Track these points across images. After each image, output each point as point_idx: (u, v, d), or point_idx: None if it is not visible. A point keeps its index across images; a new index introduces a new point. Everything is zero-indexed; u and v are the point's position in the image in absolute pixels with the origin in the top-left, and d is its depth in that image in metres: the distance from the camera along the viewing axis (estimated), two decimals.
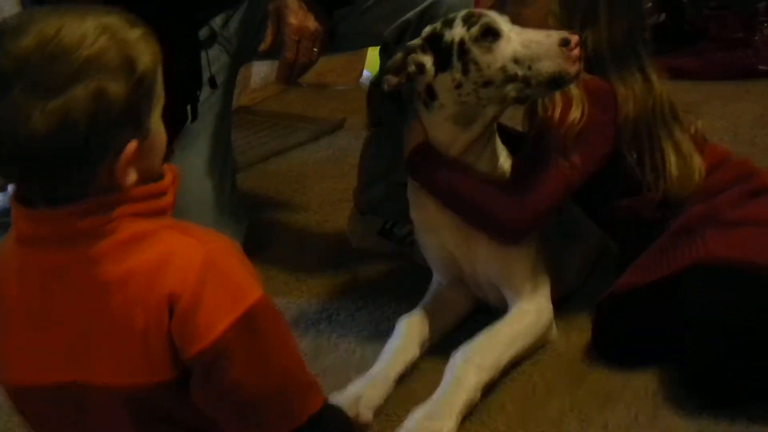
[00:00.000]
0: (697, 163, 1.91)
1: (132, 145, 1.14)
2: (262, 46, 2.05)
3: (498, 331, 1.85)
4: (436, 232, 1.97)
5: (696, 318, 1.76)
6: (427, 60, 1.84)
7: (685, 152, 1.91)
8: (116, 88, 1.11)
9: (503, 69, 1.78)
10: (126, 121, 1.14)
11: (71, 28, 1.11)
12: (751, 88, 3.61)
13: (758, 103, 3.43)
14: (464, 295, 2.06)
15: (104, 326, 1.17)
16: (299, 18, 2.02)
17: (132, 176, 1.16)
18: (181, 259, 1.16)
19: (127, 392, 1.18)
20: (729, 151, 2.09)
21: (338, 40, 2.16)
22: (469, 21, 1.82)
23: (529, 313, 1.91)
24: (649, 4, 3.87)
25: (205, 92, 2.22)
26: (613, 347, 1.90)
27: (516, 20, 1.84)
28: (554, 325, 1.96)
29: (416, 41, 1.88)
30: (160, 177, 1.23)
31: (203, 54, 2.20)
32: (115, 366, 1.18)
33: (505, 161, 1.95)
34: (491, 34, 1.79)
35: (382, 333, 2.01)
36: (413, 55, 1.85)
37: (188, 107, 2.14)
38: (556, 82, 1.76)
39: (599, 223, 2.05)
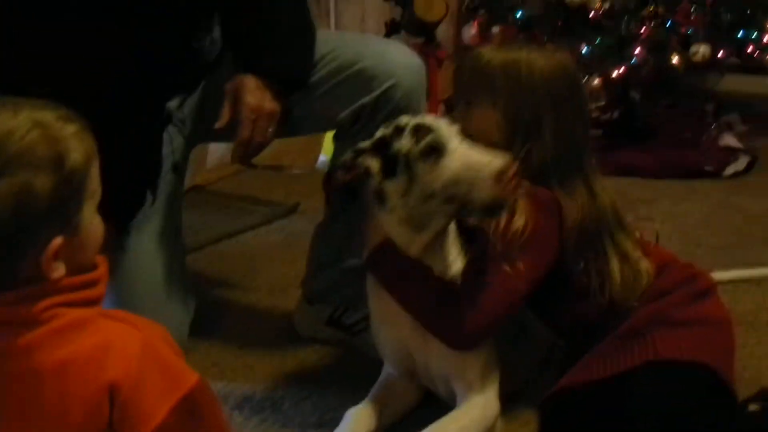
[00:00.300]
0: (645, 266, 1.93)
1: (57, 241, 1.14)
2: (218, 124, 2.06)
3: (445, 426, 1.85)
4: (392, 324, 1.97)
5: (643, 419, 1.76)
6: (375, 165, 1.85)
7: (631, 258, 1.93)
8: (42, 183, 1.12)
9: (444, 188, 1.79)
10: (52, 217, 1.13)
11: (2, 121, 1.13)
12: (698, 188, 3.69)
13: (705, 204, 3.49)
14: (414, 387, 2.05)
15: (38, 418, 1.16)
16: (256, 97, 2.03)
17: (59, 270, 1.15)
18: (121, 347, 1.16)
19: None
20: (673, 253, 2.13)
21: (293, 123, 2.17)
22: (417, 134, 1.82)
23: (476, 407, 1.91)
24: (603, 102, 3.95)
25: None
26: None
27: (464, 121, 1.88)
28: (499, 421, 1.96)
29: (366, 144, 1.89)
30: (93, 267, 1.22)
31: (167, 139, 2.20)
32: None
33: (456, 258, 1.96)
34: (435, 151, 1.79)
35: (326, 423, 1.99)
36: (362, 158, 1.87)
37: (147, 191, 2.13)
38: (491, 210, 1.78)
39: (549, 325, 2.06)
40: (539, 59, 1.91)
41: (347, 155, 1.88)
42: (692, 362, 1.80)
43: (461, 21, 4.72)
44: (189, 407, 1.18)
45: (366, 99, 2.12)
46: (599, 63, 4.10)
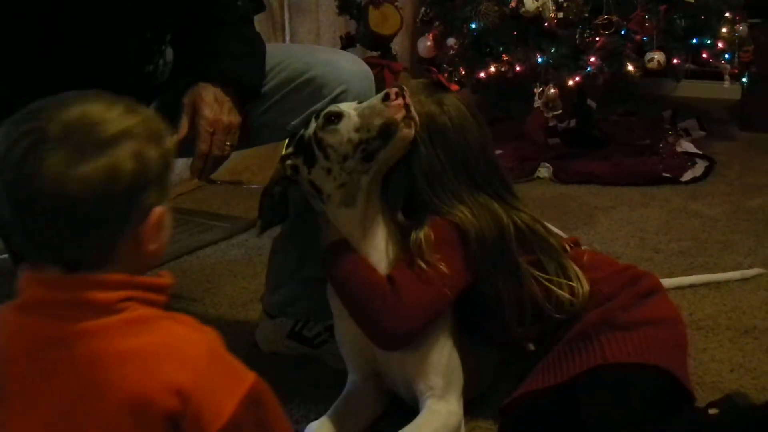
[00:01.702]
0: (581, 277, 1.96)
1: (160, 209, 1.23)
2: (176, 137, 2.05)
3: None
4: (353, 326, 1.97)
5: (594, 423, 1.78)
6: (299, 161, 1.99)
7: (570, 273, 1.96)
8: (151, 152, 1.21)
9: (350, 141, 1.92)
10: (157, 184, 1.23)
11: (106, 106, 1.23)
12: (656, 194, 3.71)
13: (663, 209, 3.51)
14: (378, 393, 2.06)
15: (94, 401, 1.19)
16: (214, 111, 2.03)
17: (153, 245, 1.24)
18: (188, 349, 1.21)
19: None
20: (610, 257, 2.15)
21: (247, 134, 2.17)
22: (318, 115, 1.99)
23: (439, 414, 1.91)
24: (559, 111, 3.96)
25: None
26: None
27: None
28: (462, 427, 1.96)
29: (287, 150, 2.03)
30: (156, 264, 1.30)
31: None
32: None
33: (391, 251, 1.99)
34: (333, 117, 1.95)
35: None
36: (286, 162, 2.01)
37: None
38: (386, 131, 1.89)
39: (492, 343, 2.07)
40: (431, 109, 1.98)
41: (274, 171, 2.00)
42: (641, 364, 1.82)
43: (416, 34, 4.73)
44: (254, 400, 1.23)
45: (317, 106, 2.13)
46: (555, 72, 4.12)
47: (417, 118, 1.90)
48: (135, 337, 1.20)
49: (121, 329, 1.20)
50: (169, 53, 2.20)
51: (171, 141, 1.29)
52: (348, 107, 1.97)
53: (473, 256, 1.91)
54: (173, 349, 1.20)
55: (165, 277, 1.29)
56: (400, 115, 1.88)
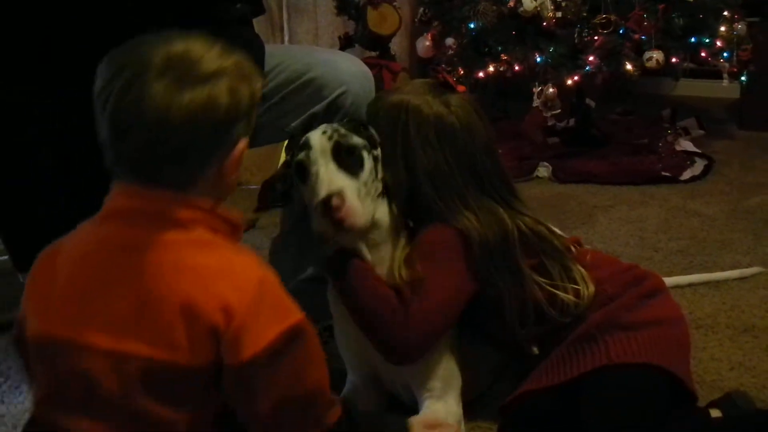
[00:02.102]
0: (586, 278, 1.95)
1: (243, 143, 1.36)
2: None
3: None
4: (354, 329, 1.96)
5: (594, 423, 1.77)
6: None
7: (574, 275, 1.95)
8: (243, 90, 1.33)
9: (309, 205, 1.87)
10: (245, 119, 1.35)
11: (205, 45, 1.35)
12: (655, 193, 3.71)
13: (662, 208, 3.51)
14: (376, 394, 2.05)
15: (156, 304, 1.30)
16: None
17: (233, 174, 1.37)
18: (241, 275, 1.31)
19: (157, 364, 1.30)
20: (614, 257, 2.14)
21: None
22: (301, 148, 1.88)
23: (437, 414, 1.90)
24: (558, 111, 3.96)
25: None
26: None
27: None
28: (462, 427, 1.96)
29: (287, 154, 1.98)
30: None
31: None
32: (155, 339, 1.30)
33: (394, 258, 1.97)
34: (302, 170, 1.85)
35: None
36: (290, 169, 1.93)
37: None
38: (320, 239, 1.85)
39: (496, 346, 2.07)
40: (421, 105, 1.94)
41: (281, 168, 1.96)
42: (645, 364, 1.81)
43: (415, 33, 4.73)
44: (295, 336, 1.31)
45: (317, 107, 2.14)
46: (553, 71, 4.12)
47: (354, 227, 1.80)
48: (199, 256, 1.31)
49: (188, 246, 1.32)
50: None
51: (260, 82, 1.40)
52: (319, 161, 1.83)
53: (476, 261, 1.90)
54: (229, 273, 1.30)
55: (236, 214, 1.42)
56: (330, 233, 1.81)
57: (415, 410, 1.93)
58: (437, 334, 1.89)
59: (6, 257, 2.23)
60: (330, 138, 1.85)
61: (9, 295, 2.66)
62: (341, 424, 1.42)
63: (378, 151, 1.92)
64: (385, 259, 1.93)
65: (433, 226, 1.92)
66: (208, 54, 1.33)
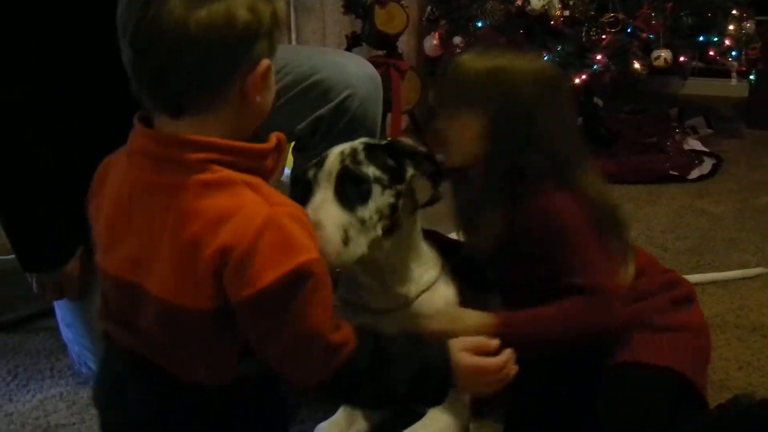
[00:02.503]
0: (630, 269, 1.93)
1: (266, 62, 1.34)
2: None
3: None
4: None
5: (608, 417, 1.77)
6: None
7: (627, 253, 1.93)
8: (264, 7, 1.31)
9: None
10: (267, 38, 1.33)
11: None
12: (663, 192, 3.70)
13: (670, 207, 3.51)
14: None
15: (168, 245, 1.32)
16: None
17: (258, 96, 1.34)
18: (244, 216, 1.28)
19: (167, 305, 1.33)
20: (653, 256, 2.12)
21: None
22: (315, 165, 1.81)
23: (446, 414, 1.90)
24: None
25: None
26: None
27: (445, 131, 1.86)
28: (472, 426, 1.96)
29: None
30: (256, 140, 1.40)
31: None
32: (165, 281, 1.33)
33: (426, 269, 1.95)
34: (308, 189, 1.79)
35: None
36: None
37: None
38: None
39: None
40: (522, 64, 1.86)
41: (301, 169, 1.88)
42: (668, 368, 1.80)
43: (422, 32, 4.73)
44: (299, 277, 1.27)
45: (323, 110, 2.13)
46: (561, 70, 4.12)
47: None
48: (207, 198, 1.29)
49: (197, 189, 1.30)
50: None
51: (282, 3, 1.37)
52: (321, 187, 1.76)
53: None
54: (234, 213, 1.28)
55: (271, 140, 1.40)
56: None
57: (420, 413, 1.93)
58: (620, 289, 1.84)
59: (10, 256, 2.23)
60: (342, 161, 1.78)
61: (14, 295, 2.69)
62: (359, 355, 1.38)
63: (403, 186, 1.83)
64: (413, 272, 1.92)
65: (546, 197, 1.81)
66: None
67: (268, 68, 1.35)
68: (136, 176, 1.37)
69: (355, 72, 2.19)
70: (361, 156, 1.80)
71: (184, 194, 1.31)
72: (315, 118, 2.13)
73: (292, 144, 2.27)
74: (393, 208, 1.81)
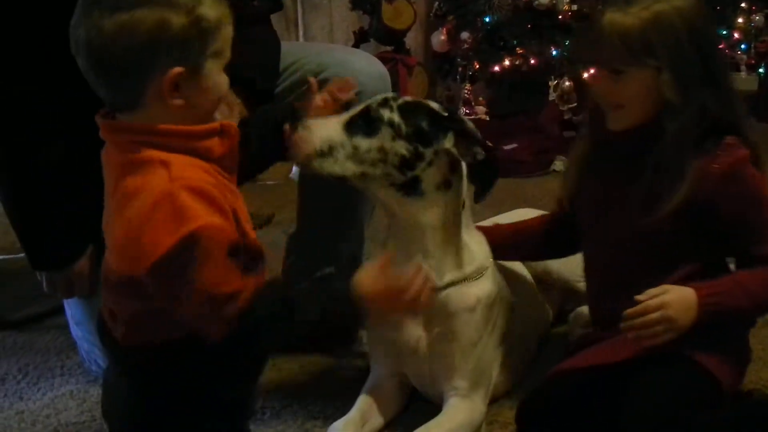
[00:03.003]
0: None
1: (176, 70, 1.38)
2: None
3: (430, 430, 1.85)
4: (390, 325, 1.95)
5: (637, 407, 1.71)
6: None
7: None
8: (175, 19, 1.37)
9: None
10: (176, 49, 1.38)
11: None
12: None
13: None
14: (402, 389, 2.03)
15: (114, 221, 1.43)
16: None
17: (178, 101, 1.40)
18: (144, 192, 1.37)
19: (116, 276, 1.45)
20: None
21: None
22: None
23: (463, 411, 1.90)
24: (574, 104, 3.95)
25: None
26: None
27: (615, 91, 1.80)
28: (483, 426, 1.95)
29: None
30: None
31: None
32: (113, 252, 1.45)
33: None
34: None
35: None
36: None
37: None
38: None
39: None
40: (675, 3, 1.77)
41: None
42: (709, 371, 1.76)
43: (430, 28, 4.73)
44: (191, 243, 1.35)
45: None
46: (569, 65, 4.11)
47: (296, 157, 1.84)
48: (129, 176, 1.39)
49: (125, 168, 1.40)
50: None
51: (210, 13, 1.42)
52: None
53: None
54: (139, 194, 1.37)
55: (213, 125, 1.45)
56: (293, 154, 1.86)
57: (437, 407, 1.92)
58: None
59: (18, 255, 2.24)
60: (372, 102, 1.88)
61: (23, 293, 2.69)
62: (257, 303, 1.45)
63: (426, 151, 1.86)
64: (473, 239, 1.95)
65: (729, 153, 1.78)
66: None
67: (178, 75, 1.39)
68: (109, 158, 1.48)
69: (364, 69, 2.18)
70: (395, 104, 1.88)
71: (120, 172, 1.42)
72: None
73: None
74: (404, 160, 1.85)
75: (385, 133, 1.85)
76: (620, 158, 1.83)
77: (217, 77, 1.46)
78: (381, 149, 1.84)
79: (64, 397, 2.20)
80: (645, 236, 1.79)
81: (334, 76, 2.14)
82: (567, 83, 4.00)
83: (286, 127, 1.79)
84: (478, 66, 4.30)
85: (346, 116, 1.86)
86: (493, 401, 2.02)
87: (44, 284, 2.15)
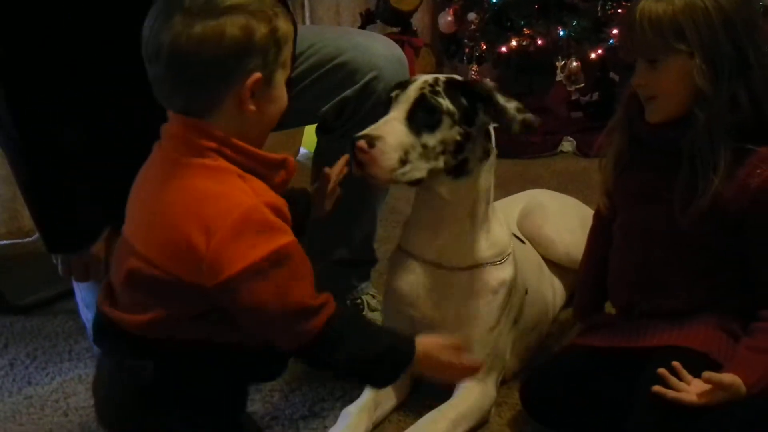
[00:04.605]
0: None
1: (257, 75, 1.42)
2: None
3: (444, 413, 1.85)
4: (409, 305, 1.96)
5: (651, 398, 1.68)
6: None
7: None
8: (258, 27, 1.42)
9: None
10: (258, 55, 1.42)
11: None
12: None
13: None
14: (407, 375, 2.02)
15: (158, 219, 1.44)
16: None
17: (252, 106, 1.43)
18: (227, 202, 1.39)
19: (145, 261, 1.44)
20: None
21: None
22: (403, 85, 1.90)
23: (474, 395, 1.91)
24: (582, 84, 3.94)
25: None
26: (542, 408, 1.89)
27: (652, 81, 1.80)
28: (492, 408, 1.96)
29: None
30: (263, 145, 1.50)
31: None
32: (152, 246, 1.44)
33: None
34: (387, 105, 1.88)
35: (316, 414, 1.98)
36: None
37: None
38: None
39: None
40: None
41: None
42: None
43: (436, 9, 4.71)
44: (276, 260, 1.38)
45: (349, 92, 2.11)
46: (577, 45, 4.10)
47: (375, 177, 1.78)
48: (203, 179, 1.41)
49: (197, 170, 1.42)
50: None
51: (285, 22, 1.47)
52: (399, 103, 1.85)
53: None
54: (220, 197, 1.39)
55: (284, 159, 1.48)
56: (357, 171, 1.80)
57: (443, 392, 1.92)
58: None
59: (26, 239, 2.23)
60: (422, 89, 1.84)
61: (32, 278, 2.69)
62: (338, 320, 1.46)
63: (473, 129, 1.86)
64: (461, 237, 1.93)
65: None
66: None
67: (258, 81, 1.43)
68: (157, 155, 1.50)
69: (382, 53, 2.17)
70: (441, 88, 1.85)
71: (183, 171, 1.43)
72: (340, 99, 2.11)
73: (313, 126, 2.26)
74: (458, 145, 1.84)
75: (446, 122, 1.82)
76: (657, 152, 1.82)
77: (282, 88, 1.50)
78: (443, 141, 1.82)
79: (72, 382, 2.21)
80: (681, 232, 1.77)
81: (352, 59, 2.13)
82: (574, 63, 3.98)
83: (359, 143, 1.74)
84: (485, 47, 4.29)
85: (402, 112, 1.82)
86: (502, 383, 2.03)
87: (60, 267, 2.14)
